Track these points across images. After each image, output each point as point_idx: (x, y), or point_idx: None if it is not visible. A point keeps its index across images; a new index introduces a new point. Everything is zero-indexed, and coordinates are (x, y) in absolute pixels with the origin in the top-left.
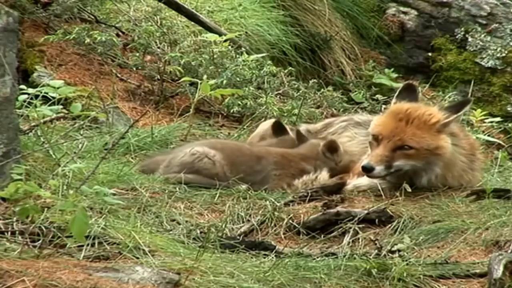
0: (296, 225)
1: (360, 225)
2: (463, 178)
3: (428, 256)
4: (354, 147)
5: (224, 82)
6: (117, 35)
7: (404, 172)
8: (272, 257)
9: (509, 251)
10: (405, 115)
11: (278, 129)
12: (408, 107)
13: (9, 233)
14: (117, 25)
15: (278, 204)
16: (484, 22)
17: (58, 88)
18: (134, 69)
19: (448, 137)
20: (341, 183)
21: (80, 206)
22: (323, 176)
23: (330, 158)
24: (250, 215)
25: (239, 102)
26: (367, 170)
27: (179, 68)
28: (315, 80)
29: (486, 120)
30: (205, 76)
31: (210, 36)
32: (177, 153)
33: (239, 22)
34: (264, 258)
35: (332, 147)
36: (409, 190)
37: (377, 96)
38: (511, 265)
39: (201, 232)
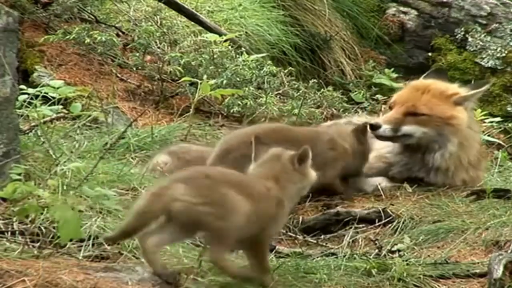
0: (296, 225)
1: (360, 225)
2: (468, 173)
3: (428, 256)
4: None
5: (224, 82)
6: (117, 35)
7: (417, 143)
8: (272, 257)
9: (509, 251)
10: (424, 86)
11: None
12: (430, 82)
13: (9, 233)
14: (117, 25)
15: None
16: (484, 22)
17: (58, 88)
18: (134, 69)
19: (467, 113)
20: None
21: (75, 208)
22: None
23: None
24: None
25: (239, 102)
26: (373, 128)
27: (179, 68)
28: (315, 80)
29: (486, 120)
30: (205, 76)
31: (210, 36)
32: None
33: (239, 22)
34: None
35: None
36: (410, 190)
37: (377, 96)
38: (511, 265)
39: None
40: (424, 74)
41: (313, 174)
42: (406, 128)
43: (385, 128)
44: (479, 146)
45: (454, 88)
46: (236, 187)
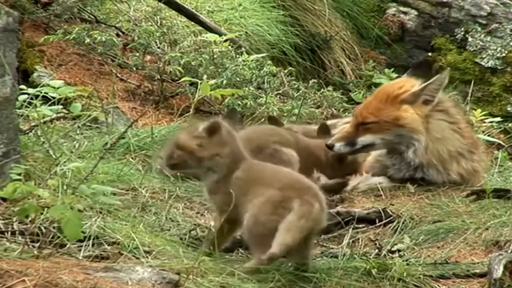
0: None
1: (360, 225)
2: (460, 165)
3: (428, 256)
4: None
5: (224, 82)
6: (117, 35)
7: (386, 148)
8: None
9: (509, 251)
10: (376, 92)
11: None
12: (388, 85)
13: (9, 233)
14: (117, 25)
15: None
16: (484, 22)
17: (58, 88)
18: (134, 69)
19: (416, 108)
20: (342, 183)
21: (74, 207)
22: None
23: None
24: None
25: (239, 102)
26: (329, 147)
27: (179, 68)
28: (315, 80)
29: (486, 120)
30: (205, 76)
31: (210, 36)
32: None
33: (239, 22)
34: None
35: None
36: (412, 190)
37: None
38: (511, 265)
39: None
40: (408, 71)
41: None
42: (363, 139)
43: (339, 146)
44: (464, 137)
45: (405, 86)
46: None
